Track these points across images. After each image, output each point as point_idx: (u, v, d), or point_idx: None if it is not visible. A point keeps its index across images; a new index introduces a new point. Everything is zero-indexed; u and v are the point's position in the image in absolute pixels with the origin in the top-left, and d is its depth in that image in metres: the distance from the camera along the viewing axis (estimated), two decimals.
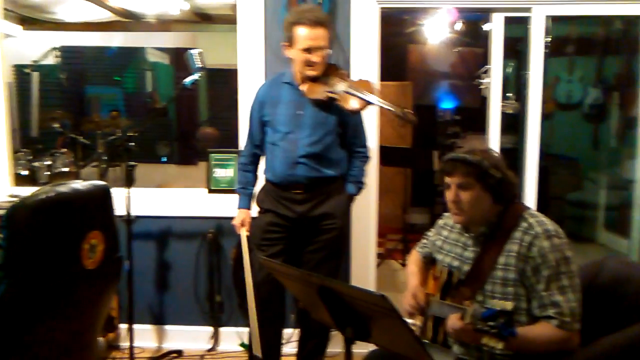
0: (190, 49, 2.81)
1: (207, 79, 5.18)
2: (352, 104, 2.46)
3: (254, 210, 2.76)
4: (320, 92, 2.52)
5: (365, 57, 3.09)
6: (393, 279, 4.62)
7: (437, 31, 5.58)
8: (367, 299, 1.39)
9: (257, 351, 2.65)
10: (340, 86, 2.49)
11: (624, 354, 1.71)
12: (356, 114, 2.55)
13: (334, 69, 2.60)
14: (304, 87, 2.56)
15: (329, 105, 2.54)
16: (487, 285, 1.79)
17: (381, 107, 2.47)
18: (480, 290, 1.80)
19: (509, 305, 1.57)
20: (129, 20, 4.96)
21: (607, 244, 5.37)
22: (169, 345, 3.33)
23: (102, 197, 1.83)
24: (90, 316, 1.86)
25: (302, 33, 2.45)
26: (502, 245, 1.80)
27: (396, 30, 5.88)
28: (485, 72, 3.26)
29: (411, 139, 6.03)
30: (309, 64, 2.49)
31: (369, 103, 2.46)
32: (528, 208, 1.90)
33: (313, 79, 2.54)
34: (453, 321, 1.70)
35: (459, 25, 5.11)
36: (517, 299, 1.75)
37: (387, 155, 5.04)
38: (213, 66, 4.59)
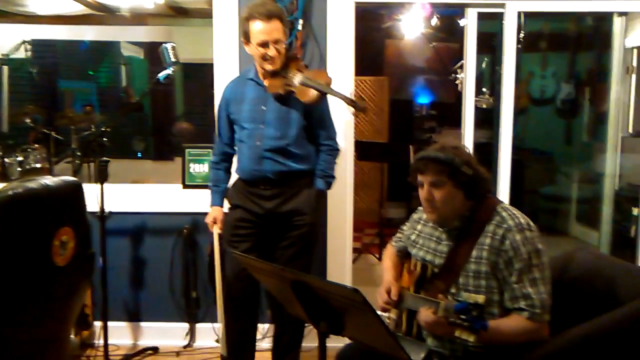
0: (165, 43, 2.78)
1: (183, 74, 5.14)
2: (308, 95, 2.47)
3: (227, 207, 2.76)
4: (279, 86, 2.52)
5: (341, 52, 3.09)
6: (370, 273, 4.65)
7: (413, 26, 5.61)
8: (340, 293, 1.40)
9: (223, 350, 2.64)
10: (297, 78, 2.50)
11: (591, 344, 1.75)
12: (312, 105, 2.53)
13: (293, 61, 2.59)
14: (266, 83, 2.56)
15: (290, 99, 2.53)
16: (461, 278, 1.81)
17: (332, 95, 2.49)
18: (454, 283, 1.82)
19: (481, 298, 1.59)
20: (103, 14, 4.89)
21: (579, 237, 5.47)
22: (144, 342, 3.30)
23: (72, 193, 1.80)
24: (62, 313, 1.83)
25: (256, 28, 2.44)
26: (475, 239, 1.82)
27: (373, 25, 5.89)
28: (461, 67, 3.29)
29: (388, 133, 6.07)
30: (265, 58, 2.48)
31: (322, 93, 2.47)
32: (501, 202, 1.92)
33: (273, 73, 2.53)
34: (425, 314, 1.72)
35: (435, 21, 5.14)
36: (490, 292, 1.77)
37: (364, 150, 5.07)
38: (189, 61, 4.57)
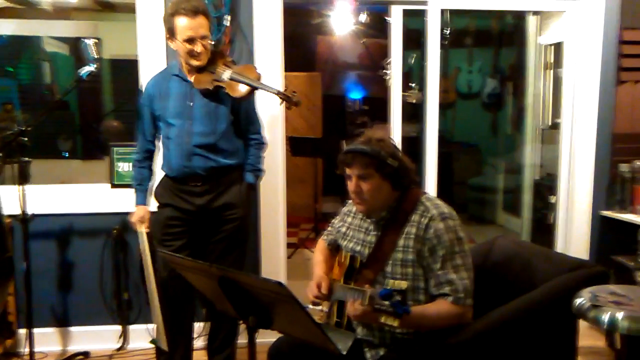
0: (86, 38, 2.68)
1: (111, 70, 4.98)
2: (238, 90, 2.47)
3: (153, 206, 2.71)
4: (207, 82, 2.51)
5: (269, 48, 3.09)
6: (306, 267, 4.68)
7: (343, 23, 5.67)
8: (265, 287, 1.41)
9: (164, 344, 2.60)
10: (226, 74, 2.50)
11: (509, 325, 1.85)
12: (243, 99, 2.54)
13: (219, 57, 2.59)
14: (192, 78, 2.54)
15: (218, 95, 2.53)
16: (388, 267, 1.87)
17: (265, 90, 2.51)
18: (382, 272, 1.87)
19: (403, 284, 1.64)
20: (23, 7, 4.66)
21: (505, 225, 5.72)
22: (74, 347, 3.20)
23: None
24: None
25: (182, 24, 2.42)
26: (401, 229, 1.88)
27: (304, 21, 5.93)
28: (389, 62, 3.36)
29: (321, 129, 6.12)
30: (192, 54, 2.47)
31: (253, 88, 2.48)
32: (425, 193, 1.99)
33: (200, 69, 2.52)
34: (350, 303, 1.75)
35: (364, 17, 5.22)
36: (416, 279, 1.84)
37: (298, 145, 5.10)
38: (116, 57, 4.42)
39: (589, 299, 1.78)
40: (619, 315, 1.68)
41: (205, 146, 2.52)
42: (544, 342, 1.94)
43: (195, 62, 2.49)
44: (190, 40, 2.43)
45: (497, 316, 1.85)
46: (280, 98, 2.43)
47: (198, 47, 2.45)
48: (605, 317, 1.70)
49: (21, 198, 2.69)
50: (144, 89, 2.68)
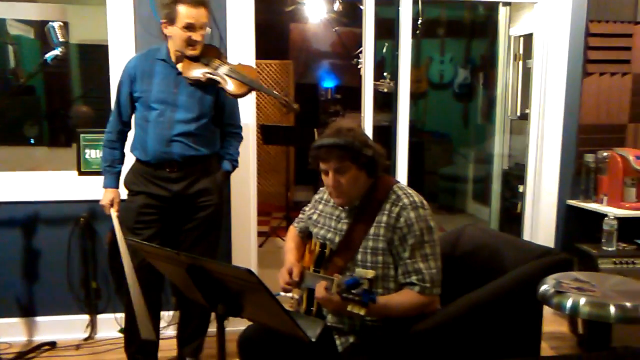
0: (52, 22, 2.61)
1: (79, 55, 4.87)
2: (235, 87, 2.45)
3: (123, 191, 2.66)
4: (198, 73, 2.48)
5: (241, 35, 3.06)
6: (278, 255, 4.68)
7: (316, 10, 5.65)
8: (234, 275, 1.41)
9: (149, 334, 2.55)
10: (223, 69, 2.48)
11: (475, 312, 1.89)
12: (238, 97, 2.54)
13: (215, 51, 2.58)
14: (181, 67, 2.51)
15: (205, 86, 2.51)
16: (359, 255, 1.88)
17: (266, 94, 2.50)
18: (352, 260, 1.89)
19: (369, 273, 1.65)
20: None
21: (474, 214, 5.81)
22: (40, 337, 3.14)
23: None
24: None
25: (184, 11, 2.41)
26: (372, 217, 1.89)
27: (277, 9, 5.88)
28: (362, 51, 3.36)
29: (293, 117, 6.11)
30: (189, 42, 2.45)
31: (252, 88, 2.47)
32: (397, 182, 2.00)
33: (192, 59, 2.50)
34: (318, 290, 1.76)
35: (337, 5, 5.21)
36: (386, 267, 1.86)
37: (270, 133, 5.08)
38: (85, 41, 4.32)
39: (553, 285, 1.83)
40: (581, 301, 1.73)
41: (186, 134, 2.50)
42: (509, 328, 1.99)
43: (191, 52, 2.47)
44: (190, 27, 2.42)
45: (464, 303, 1.88)
46: (281, 103, 2.43)
47: (197, 36, 2.44)
48: (568, 303, 1.74)
49: None
50: (123, 69, 2.61)
